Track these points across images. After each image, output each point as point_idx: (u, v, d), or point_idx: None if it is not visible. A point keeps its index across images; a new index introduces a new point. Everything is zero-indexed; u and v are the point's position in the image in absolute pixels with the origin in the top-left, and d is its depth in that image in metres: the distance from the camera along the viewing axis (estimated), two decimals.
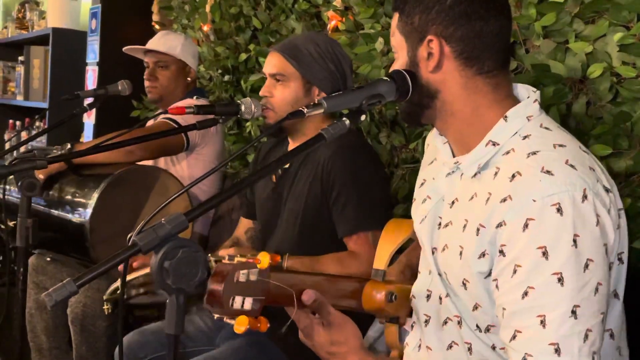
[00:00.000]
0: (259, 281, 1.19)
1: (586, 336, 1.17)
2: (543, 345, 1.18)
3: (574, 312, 1.17)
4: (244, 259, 1.17)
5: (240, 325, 1.16)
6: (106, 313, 1.98)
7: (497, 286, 1.25)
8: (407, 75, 1.33)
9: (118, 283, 2.05)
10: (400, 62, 1.38)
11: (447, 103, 1.35)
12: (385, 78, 1.33)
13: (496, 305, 1.26)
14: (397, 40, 1.38)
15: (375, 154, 2.12)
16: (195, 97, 2.96)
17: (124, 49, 3.10)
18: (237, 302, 1.17)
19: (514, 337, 1.21)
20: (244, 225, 2.41)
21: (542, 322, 1.17)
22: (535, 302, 1.18)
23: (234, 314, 1.17)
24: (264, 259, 1.17)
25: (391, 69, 1.38)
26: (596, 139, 1.84)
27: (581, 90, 1.91)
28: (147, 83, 3.01)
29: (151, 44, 3.03)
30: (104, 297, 2.03)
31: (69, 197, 2.53)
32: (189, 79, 3.04)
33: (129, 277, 1.97)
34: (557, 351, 1.17)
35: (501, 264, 1.23)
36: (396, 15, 1.39)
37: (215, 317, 1.18)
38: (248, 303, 1.18)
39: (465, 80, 1.33)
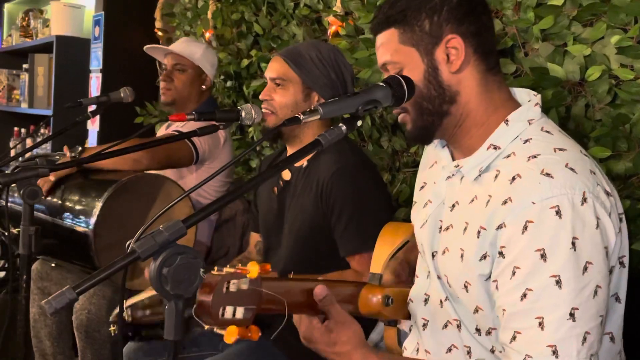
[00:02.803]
0: (251, 290, 1.19)
1: (584, 339, 1.18)
2: (541, 347, 1.18)
3: (572, 315, 1.17)
4: (232, 270, 1.18)
5: (230, 335, 1.17)
6: (112, 335, 1.98)
7: (496, 287, 1.26)
8: (402, 81, 1.34)
9: (125, 303, 2.06)
10: (416, 73, 1.35)
11: (464, 104, 1.35)
12: (381, 84, 1.33)
13: (496, 306, 1.27)
14: (403, 55, 1.36)
15: (376, 173, 2.12)
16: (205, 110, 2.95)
17: (145, 47, 3.12)
18: (228, 312, 1.17)
19: (514, 338, 1.22)
20: (254, 239, 2.41)
21: (541, 324, 1.18)
22: (533, 304, 1.19)
23: (225, 324, 1.17)
24: (253, 269, 1.17)
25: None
26: (595, 141, 1.85)
27: (580, 92, 1.92)
28: (163, 84, 3.01)
29: (173, 47, 3.06)
30: (110, 319, 2.04)
31: (72, 204, 2.53)
32: (203, 86, 3.03)
33: (136, 299, 1.99)
34: (555, 353, 1.17)
35: (501, 265, 1.24)
36: (392, 32, 1.37)
37: (205, 328, 1.19)
38: (239, 312, 1.18)
39: (481, 77, 1.35)
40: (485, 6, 1.37)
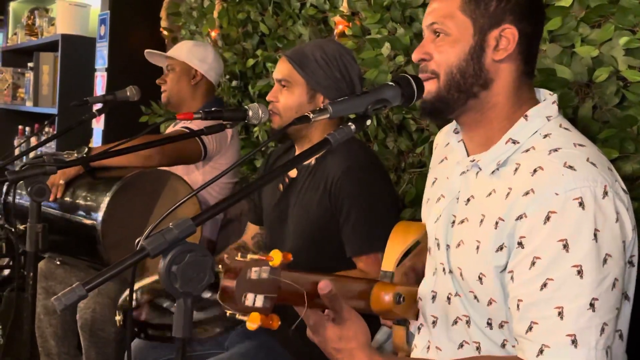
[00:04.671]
0: (270, 279, 1.19)
1: (602, 330, 1.19)
2: (560, 336, 1.19)
3: (592, 305, 1.18)
4: (256, 256, 1.18)
5: (253, 322, 1.16)
6: (118, 325, 1.98)
7: (512, 278, 1.26)
8: (412, 80, 1.34)
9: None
10: (461, 46, 1.35)
11: (493, 95, 1.36)
12: (391, 83, 1.34)
13: (510, 297, 1.27)
14: (457, 23, 1.35)
15: (385, 173, 2.11)
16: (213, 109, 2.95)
17: (146, 53, 3.15)
18: (249, 299, 1.16)
19: (530, 328, 1.22)
20: (252, 230, 2.41)
21: (560, 314, 1.19)
22: (554, 294, 1.20)
23: (246, 311, 1.17)
24: (276, 257, 1.17)
25: (430, 51, 1.36)
26: (603, 143, 1.84)
27: (587, 94, 1.92)
28: (161, 88, 3.07)
29: (168, 51, 3.10)
30: (117, 307, 2.04)
31: (80, 200, 2.55)
32: (192, 81, 3.04)
33: (138, 285, 1.99)
34: (574, 342, 1.18)
35: (519, 255, 1.24)
36: None
37: (227, 314, 1.18)
38: (259, 300, 1.18)
39: (517, 76, 1.36)
40: (544, 16, 1.40)
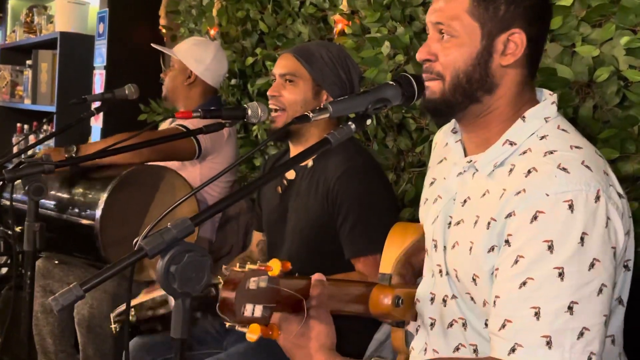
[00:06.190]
0: (269, 288, 1.18)
1: (581, 334, 1.17)
2: (535, 336, 1.17)
3: (570, 308, 1.17)
4: (255, 266, 1.17)
5: (253, 333, 1.15)
6: (114, 332, 1.98)
7: (495, 275, 1.25)
8: (412, 80, 1.33)
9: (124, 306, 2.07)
10: (468, 50, 1.32)
11: (496, 99, 1.34)
12: (391, 82, 1.33)
13: (491, 293, 1.25)
14: (465, 26, 1.32)
15: (383, 174, 2.11)
16: (211, 108, 2.93)
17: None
18: (248, 309, 1.15)
19: (503, 326, 1.20)
20: (256, 238, 2.40)
21: (537, 314, 1.17)
22: (532, 293, 1.18)
23: (246, 322, 1.16)
24: (275, 266, 1.16)
25: (436, 51, 1.34)
26: (603, 143, 1.84)
27: (588, 94, 1.91)
28: None
29: (174, 48, 3.10)
30: (112, 317, 2.05)
31: (78, 198, 2.54)
32: (186, 81, 2.99)
33: (140, 300, 1.99)
34: (549, 344, 1.16)
35: (505, 253, 1.23)
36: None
37: (227, 326, 1.17)
38: (258, 310, 1.16)
39: (521, 80, 1.34)
40: (551, 17, 1.39)
